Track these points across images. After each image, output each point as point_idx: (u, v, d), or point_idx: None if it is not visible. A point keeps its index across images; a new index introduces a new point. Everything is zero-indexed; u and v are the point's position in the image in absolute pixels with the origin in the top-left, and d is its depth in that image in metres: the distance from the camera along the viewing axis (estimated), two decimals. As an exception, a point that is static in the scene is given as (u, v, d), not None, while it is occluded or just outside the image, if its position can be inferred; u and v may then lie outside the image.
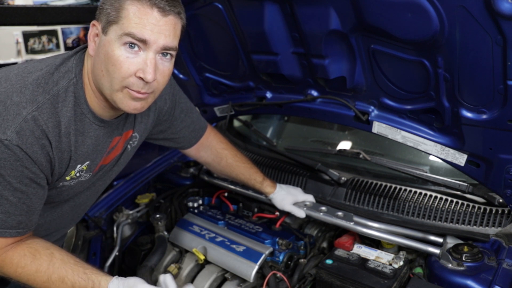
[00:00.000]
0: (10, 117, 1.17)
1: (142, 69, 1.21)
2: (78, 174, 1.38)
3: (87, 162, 1.38)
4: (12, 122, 1.17)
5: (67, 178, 1.36)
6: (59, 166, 1.29)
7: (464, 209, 1.73)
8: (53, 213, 1.49)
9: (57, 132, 1.25)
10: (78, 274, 1.27)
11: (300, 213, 1.83)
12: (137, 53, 1.21)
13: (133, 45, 1.20)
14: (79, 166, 1.36)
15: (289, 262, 1.74)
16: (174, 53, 1.28)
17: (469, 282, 1.44)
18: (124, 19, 1.18)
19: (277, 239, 1.75)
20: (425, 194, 1.83)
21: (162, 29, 1.20)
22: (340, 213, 1.80)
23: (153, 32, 1.19)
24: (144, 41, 1.19)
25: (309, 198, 1.91)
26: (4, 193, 1.20)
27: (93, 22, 1.27)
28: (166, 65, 1.27)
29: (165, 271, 1.80)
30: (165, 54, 1.25)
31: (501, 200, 1.69)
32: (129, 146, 1.56)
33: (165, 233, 1.96)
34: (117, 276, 1.30)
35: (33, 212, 1.29)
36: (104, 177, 1.56)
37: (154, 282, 1.79)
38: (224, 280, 1.75)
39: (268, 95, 2.15)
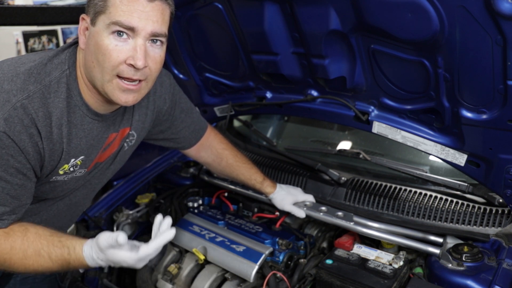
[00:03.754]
0: None
1: (132, 56, 1.21)
2: (72, 169, 1.37)
3: (82, 157, 1.37)
4: (1, 109, 1.16)
5: (60, 172, 1.35)
6: (50, 158, 1.28)
7: (464, 209, 1.73)
8: (49, 211, 1.48)
9: (48, 122, 1.24)
10: (53, 244, 1.25)
11: (300, 213, 1.83)
12: (126, 40, 1.21)
13: (121, 33, 1.20)
14: (72, 160, 1.35)
15: (289, 262, 1.73)
16: (164, 39, 1.28)
17: (469, 282, 1.44)
18: (111, 7, 1.19)
19: (277, 239, 1.75)
20: (425, 194, 1.83)
21: (150, 15, 1.20)
22: (340, 213, 1.80)
23: (141, 19, 1.19)
24: (132, 29, 1.19)
25: (309, 198, 1.91)
26: None
27: (82, 15, 1.27)
28: (157, 52, 1.27)
29: (165, 271, 1.80)
30: (155, 40, 1.25)
31: (501, 200, 1.69)
32: (125, 145, 1.56)
33: (165, 233, 1.96)
34: (91, 238, 1.28)
35: (18, 204, 1.27)
36: (100, 175, 1.55)
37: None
38: (224, 280, 1.75)
39: (268, 95, 2.15)
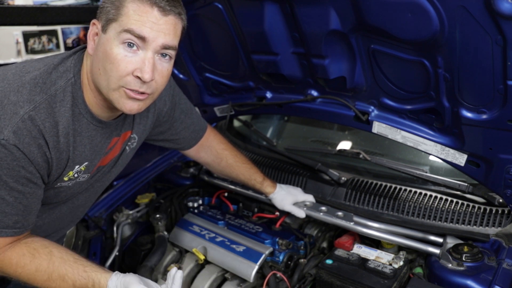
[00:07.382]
0: (7, 116, 1.16)
1: (140, 68, 1.20)
2: (76, 175, 1.37)
3: (85, 163, 1.37)
4: (9, 122, 1.16)
5: (65, 178, 1.35)
6: (57, 166, 1.29)
7: (464, 209, 1.73)
8: (52, 214, 1.49)
9: (55, 132, 1.24)
10: (78, 273, 1.27)
11: (300, 213, 1.83)
12: (136, 52, 1.20)
13: (132, 44, 1.19)
14: (77, 167, 1.35)
15: (289, 262, 1.74)
16: (173, 53, 1.27)
17: (469, 282, 1.44)
18: (123, 16, 1.18)
19: (277, 239, 1.75)
20: (425, 194, 1.83)
21: (162, 28, 1.20)
22: (340, 213, 1.80)
23: (153, 30, 1.19)
24: (143, 38, 1.18)
25: (309, 198, 1.91)
26: (1, 192, 1.20)
27: (93, 21, 1.27)
28: (165, 66, 1.26)
29: (165, 271, 1.80)
30: (164, 54, 1.24)
31: (501, 200, 1.69)
32: (127, 148, 1.56)
33: (165, 233, 1.96)
34: (116, 272, 1.30)
35: (29, 211, 1.28)
36: (102, 178, 1.55)
37: (154, 281, 1.79)
38: (224, 280, 1.75)
39: (268, 95, 2.15)
